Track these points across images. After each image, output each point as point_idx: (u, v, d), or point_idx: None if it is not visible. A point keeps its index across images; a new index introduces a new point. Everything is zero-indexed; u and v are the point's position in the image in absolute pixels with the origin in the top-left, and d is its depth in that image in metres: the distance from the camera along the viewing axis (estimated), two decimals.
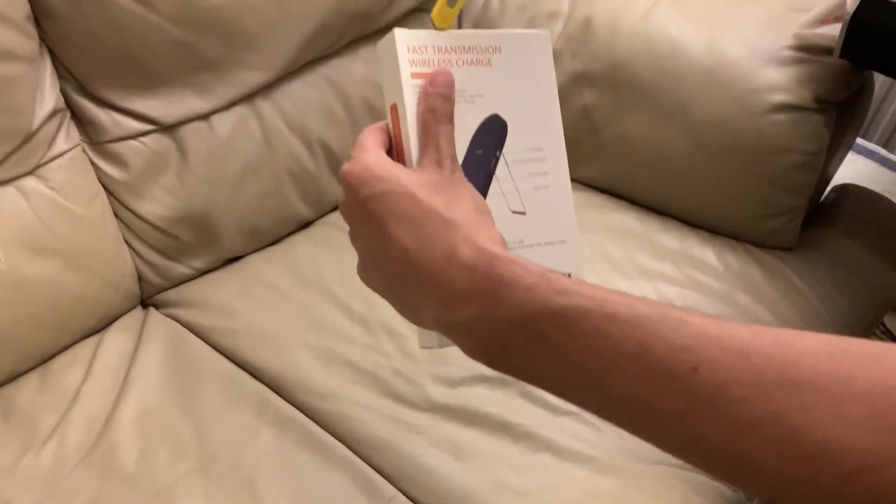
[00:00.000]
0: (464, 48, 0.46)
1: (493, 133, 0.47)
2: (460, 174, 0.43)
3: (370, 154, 0.42)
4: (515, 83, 0.47)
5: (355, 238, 0.44)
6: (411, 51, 0.44)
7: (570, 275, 0.48)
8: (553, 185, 0.49)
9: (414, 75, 0.44)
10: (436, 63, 0.44)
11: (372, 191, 0.41)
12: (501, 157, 0.47)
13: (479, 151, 0.46)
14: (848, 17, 0.80)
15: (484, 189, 0.47)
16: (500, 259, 0.37)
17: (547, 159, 0.49)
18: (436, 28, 0.45)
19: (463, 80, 0.45)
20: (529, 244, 0.48)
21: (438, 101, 0.43)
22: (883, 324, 1.43)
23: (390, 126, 0.45)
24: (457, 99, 0.45)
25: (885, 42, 0.81)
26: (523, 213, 0.48)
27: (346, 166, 0.42)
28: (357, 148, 0.43)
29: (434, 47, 0.45)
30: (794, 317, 0.91)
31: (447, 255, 0.38)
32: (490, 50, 0.47)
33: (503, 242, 0.40)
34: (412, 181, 0.41)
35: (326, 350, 0.82)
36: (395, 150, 0.45)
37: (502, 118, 0.47)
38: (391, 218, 0.40)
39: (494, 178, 0.47)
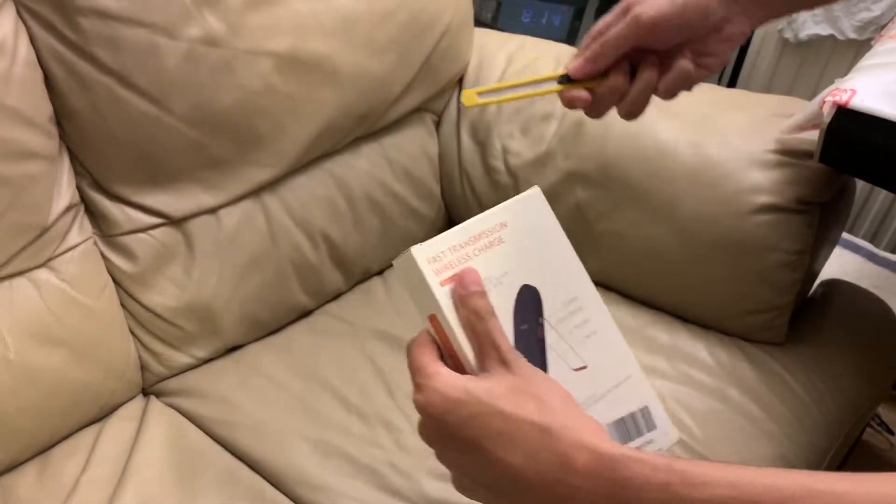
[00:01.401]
0: (474, 237, 0.47)
1: (529, 303, 0.48)
2: (526, 365, 0.43)
3: (438, 379, 0.42)
4: (530, 247, 0.49)
5: (447, 461, 0.43)
6: (431, 261, 0.45)
7: (647, 406, 0.51)
8: (598, 327, 0.50)
9: (442, 283, 0.45)
10: (455, 263, 0.46)
11: (458, 418, 0.40)
12: (546, 323, 0.48)
13: (525, 326, 0.47)
14: (824, 126, 0.85)
15: (542, 360, 0.47)
16: (620, 460, 0.36)
17: (584, 306, 0.50)
18: (464, 106, 0.50)
19: (485, 266, 0.46)
20: (601, 394, 0.49)
21: (476, 301, 0.44)
22: (878, 416, 1.44)
23: (433, 334, 0.46)
24: (487, 287, 0.45)
25: (861, 150, 0.85)
26: (585, 368, 0.49)
27: (419, 398, 0.42)
28: (419, 374, 0.43)
29: (449, 249, 0.46)
30: (784, 412, 0.92)
31: (561, 466, 0.37)
32: (497, 228, 0.48)
33: (604, 431, 0.39)
34: (492, 394, 0.40)
35: (323, 442, 0.83)
36: (445, 355, 0.46)
37: (532, 286, 0.48)
38: (488, 441, 0.39)
39: (547, 345, 0.48)
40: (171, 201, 0.89)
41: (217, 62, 0.85)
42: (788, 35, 1.65)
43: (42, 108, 0.78)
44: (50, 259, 0.82)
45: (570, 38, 1.63)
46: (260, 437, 0.84)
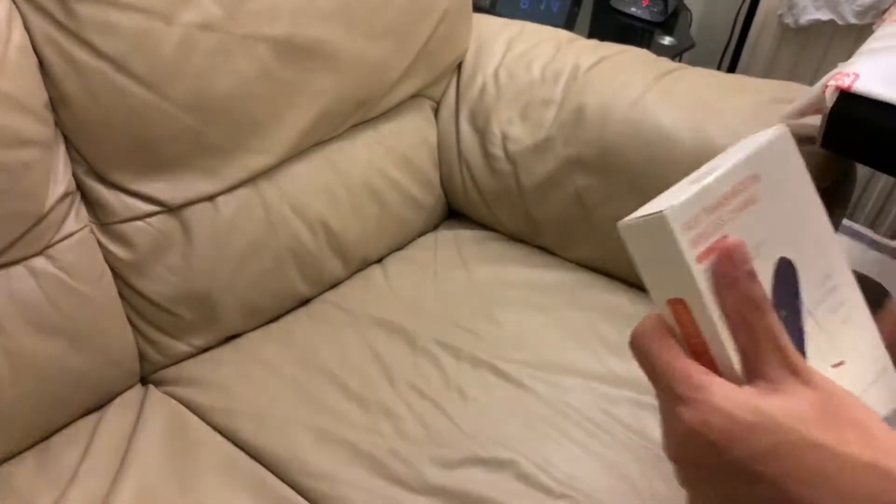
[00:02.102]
0: (727, 196, 0.35)
1: (788, 283, 0.37)
2: (819, 374, 0.34)
3: (717, 392, 0.32)
4: (784, 208, 0.37)
5: (704, 487, 0.34)
6: (686, 228, 0.34)
7: None
8: (853, 311, 0.39)
9: (699, 258, 0.34)
10: (710, 230, 0.34)
11: (752, 449, 0.31)
12: (804, 308, 0.37)
13: (784, 313, 0.36)
14: (826, 111, 0.84)
15: (802, 356, 0.36)
16: None
17: (839, 284, 0.39)
18: None
19: (740, 232, 0.35)
20: (857, 394, 0.37)
21: (751, 286, 0.33)
22: None
23: (673, 323, 0.36)
24: None
25: (864, 135, 0.85)
26: (843, 363, 0.39)
27: (691, 417, 0.32)
28: (685, 384, 0.33)
29: (704, 210, 0.34)
30: None
31: None
32: (750, 182, 0.36)
33: None
34: (797, 418, 0.31)
35: (323, 430, 0.83)
36: (687, 352, 0.36)
37: (789, 259, 0.37)
38: (797, 482, 0.30)
39: (807, 335, 0.37)
40: (168, 189, 0.88)
41: (214, 47, 0.84)
42: (788, 20, 1.64)
43: (36, 94, 0.77)
44: (47, 247, 0.82)
45: (569, 23, 1.62)
46: (259, 425, 0.84)
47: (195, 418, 0.86)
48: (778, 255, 0.36)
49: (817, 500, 0.30)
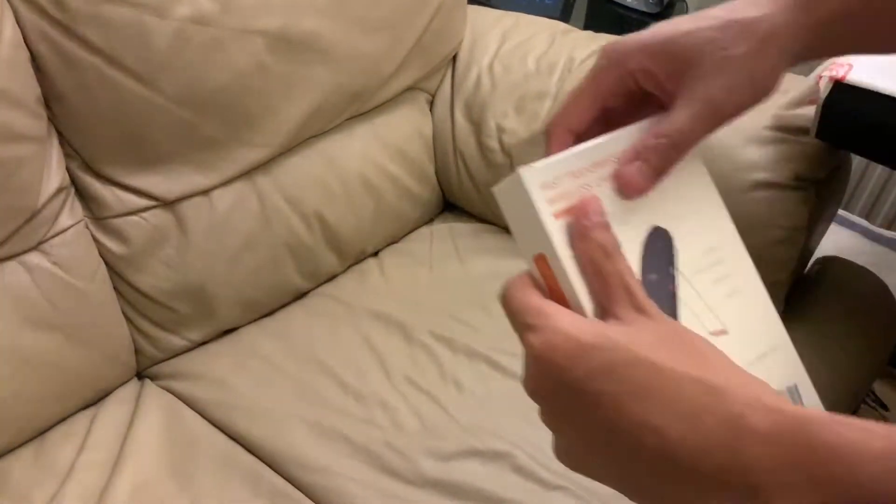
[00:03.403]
0: (598, 163, 0.38)
1: (660, 250, 0.39)
2: (674, 321, 0.36)
3: (561, 318, 0.34)
4: (664, 183, 0.39)
5: (558, 421, 0.35)
6: (544, 188, 0.36)
7: (795, 385, 0.42)
8: (742, 286, 0.41)
9: (556, 215, 0.36)
10: (573, 192, 0.37)
11: (589, 367, 0.32)
12: (678, 274, 0.39)
13: (654, 276, 0.38)
14: (821, 102, 0.85)
15: (674, 318, 0.38)
16: (814, 421, 0.28)
17: (725, 258, 0.41)
18: None
19: (608, 200, 0.37)
20: (743, 366, 0.36)
21: (602, 234, 0.35)
22: (873, 392, 1.45)
23: (539, 280, 0.37)
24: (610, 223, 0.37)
25: (858, 125, 0.85)
26: (724, 332, 0.40)
27: (536, 340, 0.33)
28: (533, 314, 0.34)
29: (567, 175, 0.37)
30: None
31: (733, 429, 0.29)
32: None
33: (779, 394, 0.32)
34: (637, 342, 0.32)
35: (320, 424, 0.83)
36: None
37: (664, 228, 0.39)
38: (629, 398, 0.31)
39: (679, 301, 0.39)
40: (163, 183, 0.88)
41: (207, 41, 0.83)
42: None
43: (29, 89, 0.77)
44: (41, 242, 0.82)
45: (564, 15, 1.62)
46: (256, 418, 0.84)
47: (192, 412, 0.86)
48: (652, 224, 0.39)
49: (644, 413, 0.31)
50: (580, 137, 0.41)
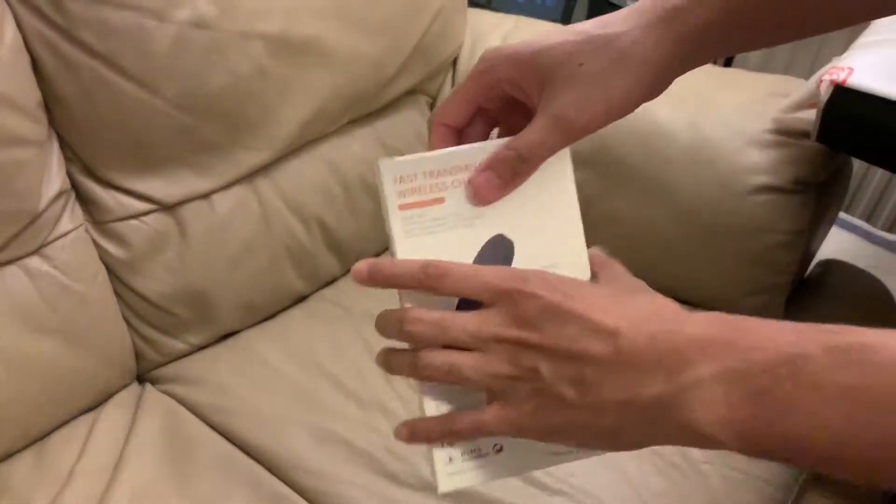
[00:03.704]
0: (458, 167, 0.41)
1: (497, 257, 0.43)
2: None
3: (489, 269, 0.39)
4: (523, 193, 0.42)
5: (509, 357, 0.38)
6: (399, 181, 0.40)
7: None
8: None
9: (402, 207, 0.41)
10: (427, 189, 0.41)
11: (549, 285, 0.37)
12: None
13: None
14: (822, 105, 0.84)
15: None
16: (745, 317, 0.35)
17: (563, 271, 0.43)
18: None
19: (458, 202, 0.41)
20: None
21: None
22: None
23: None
24: (453, 223, 0.41)
25: (859, 129, 0.85)
26: None
27: (489, 274, 0.38)
28: (457, 273, 0.39)
29: (424, 173, 0.41)
30: None
31: (674, 319, 0.36)
32: None
33: None
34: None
35: (320, 428, 0.83)
36: None
37: (507, 238, 0.42)
38: (590, 307, 0.37)
39: None
40: (163, 187, 0.88)
41: (207, 45, 0.83)
42: None
43: (30, 92, 0.77)
44: (42, 246, 0.81)
45: (565, 18, 1.62)
46: (256, 423, 0.84)
47: (192, 416, 0.86)
48: (496, 232, 0.42)
49: (604, 318, 0.36)
50: (461, 133, 0.44)
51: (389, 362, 0.42)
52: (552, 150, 0.41)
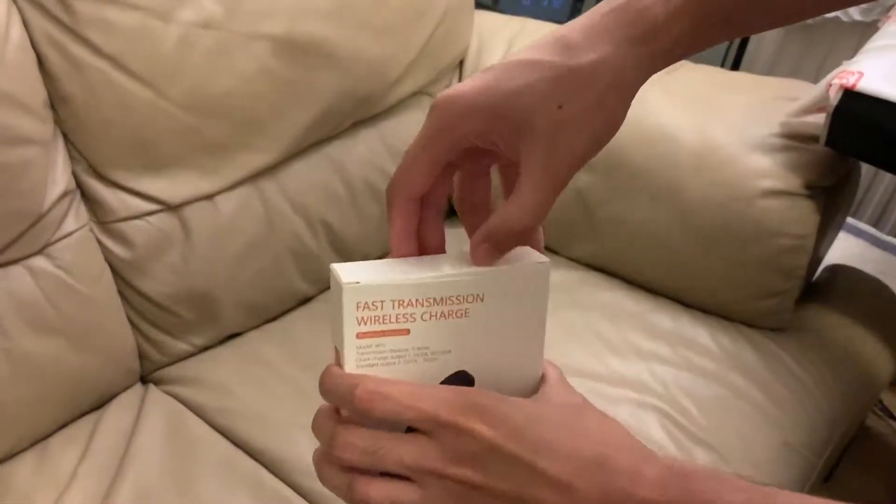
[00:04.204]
0: (434, 300, 0.37)
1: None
2: None
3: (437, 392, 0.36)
4: (493, 329, 0.39)
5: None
6: (362, 308, 0.36)
7: None
8: None
9: (361, 335, 0.37)
10: (393, 319, 0.37)
11: (507, 428, 0.35)
12: None
13: None
14: (831, 109, 0.84)
15: None
16: (696, 475, 0.34)
17: None
18: None
19: (425, 336, 0.37)
20: None
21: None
22: (881, 402, 1.43)
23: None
24: (415, 357, 0.38)
25: (868, 133, 0.84)
26: None
27: (472, 405, 0.35)
28: (386, 397, 0.36)
29: (394, 302, 0.37)
30: (788, 398, 0.92)
31: (630, 477, 0.34)
32: (470, 299, 0.38)
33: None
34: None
35: None
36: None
37: (469, 374, 0.40)
38: (534, 454, 0.35)
39: None
40: (168, 187, 0.88)
41: (212, 46, 0.83)
42: None
43: (35, 92, 0.76)
44: (46, 246, 0.81)
45: (571, 19, 1.62)
46: (259, 425, 0.84)
47: (195, 418, 0.86)
48: (458, 368, 0.39)
49: (551, 468, 0.35)
50: (427, 197, 0.41)
51: (322, 475, 0.39)
52: (550, 204, 0.37)
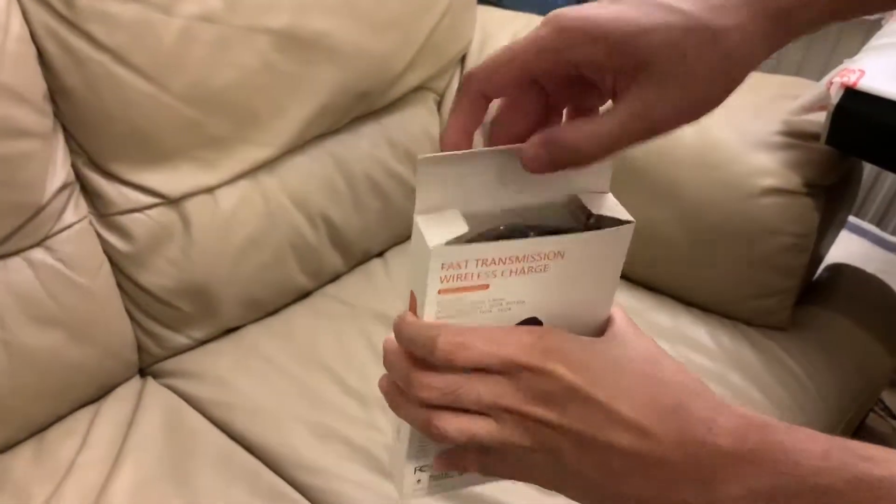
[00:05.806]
0: (515, 258, 0.38)
1: None
2: None
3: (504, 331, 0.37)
4: (569, 284, 0.40)
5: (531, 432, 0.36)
6: (446, 268, 0.37)
7: None
8: None
9: (442, 291, 0.38)
10: (475, 276, 0.38)
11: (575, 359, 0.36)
12: None
13: None
14: (832, 108, 0.84)
15: None
16: (773, 426, 0.33)
17: None
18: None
19: (503, 288, 0.39)
20: None
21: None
22: (881, 401, 1.43)
23: (409, 306, 0.40)
24: (489, 307, 0.39)
25: (869, 132, 0.84)
26: None
27: (552, 349, 0.36)
28: (463, 335, 0.37)
29: (477, 261, 0.37)
30: (787, 397, 0.92)
31: (705, 424, 0.34)
32: (550, 256, 0.38)
33: None
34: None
35: (321, 425, 0.83)
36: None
37: (539, 320, 0.41)
38: (606, 392, 0.35)
39: None
40: (168, 180, 0.88)
41: (214, 39, 0.83)
42: None
43: (36, 85, 0.77)
44: (45, 238, 0.82)
45: None
46: (257, 419, 0.84)
47: (193, 411, 0.86)
48: (529, 315, 0.40)
49: (629, 410, 0.35)
50: (509, 105, 0.38)
51: (397, 407, 0.39)
52: (624, 148, 0.35)
